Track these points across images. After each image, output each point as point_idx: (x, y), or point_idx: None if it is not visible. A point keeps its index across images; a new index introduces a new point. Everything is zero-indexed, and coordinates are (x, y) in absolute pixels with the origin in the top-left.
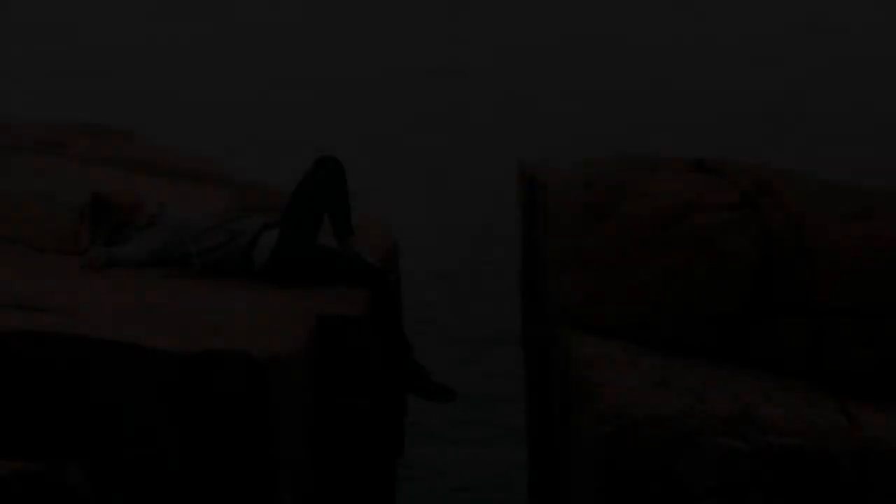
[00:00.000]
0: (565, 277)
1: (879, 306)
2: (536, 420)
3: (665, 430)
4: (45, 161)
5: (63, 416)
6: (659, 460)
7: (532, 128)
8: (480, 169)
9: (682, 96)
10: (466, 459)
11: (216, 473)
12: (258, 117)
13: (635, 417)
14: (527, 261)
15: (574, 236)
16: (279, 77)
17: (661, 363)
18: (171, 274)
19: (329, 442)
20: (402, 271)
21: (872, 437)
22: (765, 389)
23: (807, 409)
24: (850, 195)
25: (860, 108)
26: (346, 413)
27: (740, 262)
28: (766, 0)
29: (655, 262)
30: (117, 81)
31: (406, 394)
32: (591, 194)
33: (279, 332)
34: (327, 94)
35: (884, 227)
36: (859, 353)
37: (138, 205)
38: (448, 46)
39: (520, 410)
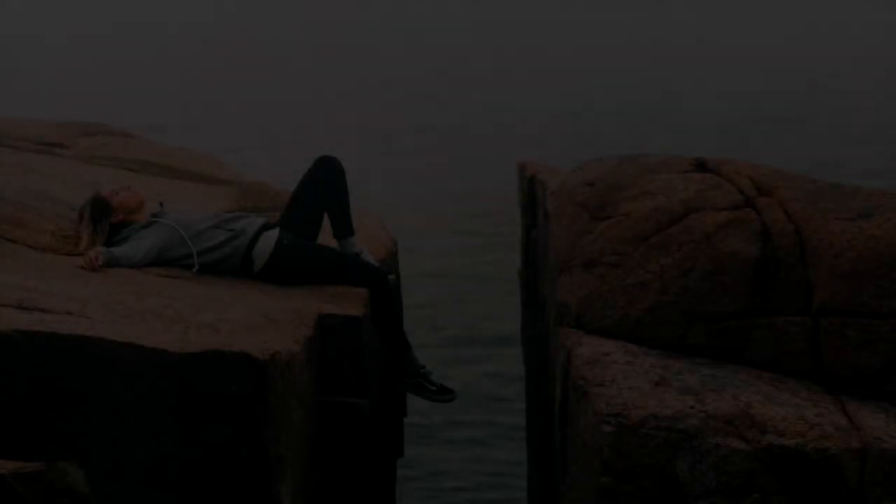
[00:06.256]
0: (565, 277)
1: (879, 306)
2: (536, 420)
3: (665, 430)
4: (45, 161)
5: (63, 416)
6: (659, 460)
7: (532, 129)
8: (480, 169)
9: (683, 97)
10: (466, 459)
11: (216, 473)
12: (258, 117)
13: (635, 417)
14: (527, 261)
15: (574, 236)
16: (279, 77)
17: (661, 363)
18: (171, 274)
19: (329, 442)
20: (402, 271)
21: (872, 437)
22: (765, 389)
23: (807, 409)
24: (850, 195)
25: (860, 108)
26: (346, 413)
27: (740, 262)
28: (767, 2)
29: (655, 262)
30: (117, 81)
31: (406, 394)
32: (591, 194)
33: (279, 332)
34: (327, 93)
35: (884, 227)
36: (859, 353)
37: (138, 205)
38: (448, 47)
39: (520, 410)
